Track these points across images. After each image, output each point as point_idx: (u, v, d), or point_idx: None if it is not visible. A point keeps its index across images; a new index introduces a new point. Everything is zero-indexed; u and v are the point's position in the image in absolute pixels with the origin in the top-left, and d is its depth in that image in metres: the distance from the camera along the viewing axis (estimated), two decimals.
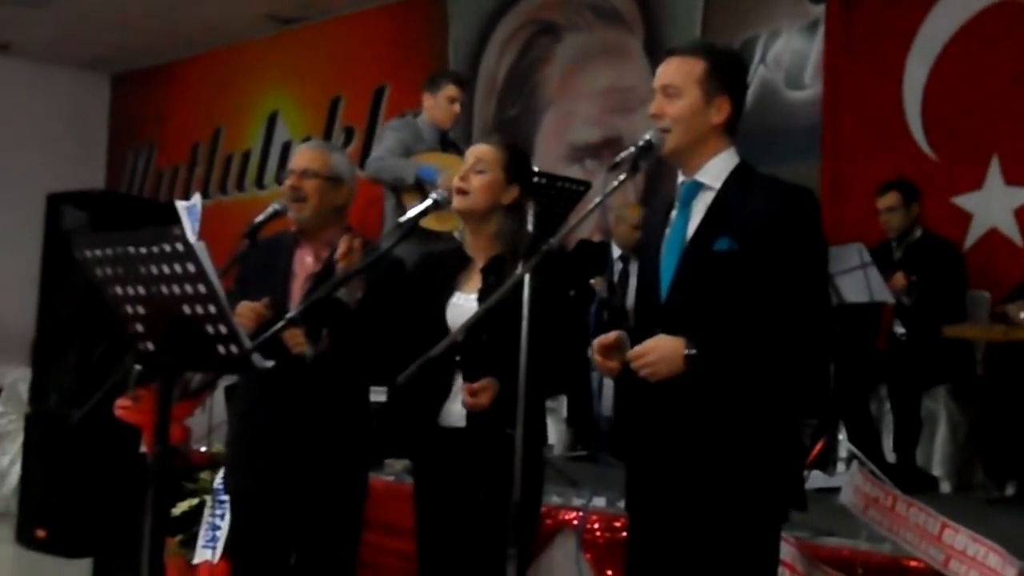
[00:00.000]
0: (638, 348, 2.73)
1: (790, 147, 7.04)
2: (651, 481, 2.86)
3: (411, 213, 3.33)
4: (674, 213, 2.91)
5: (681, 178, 2.92)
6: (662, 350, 2.71)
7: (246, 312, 3.46)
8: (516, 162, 3.40)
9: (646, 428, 2.86)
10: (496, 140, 3.47)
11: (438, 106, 5.90)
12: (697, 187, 2.87)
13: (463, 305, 3.34)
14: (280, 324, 3.14)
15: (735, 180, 2.85)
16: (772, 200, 2.80)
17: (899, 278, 5.80)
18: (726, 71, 2.89)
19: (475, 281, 3.38)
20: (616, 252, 6.82)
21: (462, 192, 3.36)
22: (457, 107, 5.91)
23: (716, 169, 2.87)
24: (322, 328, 3.45)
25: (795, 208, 2.80)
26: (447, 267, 3.47)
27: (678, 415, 2.77)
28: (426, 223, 3.47)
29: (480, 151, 3.40)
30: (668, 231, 2.89)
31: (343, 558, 3.74)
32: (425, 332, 3.26)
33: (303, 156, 3.78)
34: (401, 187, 5.62)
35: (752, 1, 7.76)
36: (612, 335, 2.81)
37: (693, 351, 2.69)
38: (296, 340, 3.40)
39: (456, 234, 3.55)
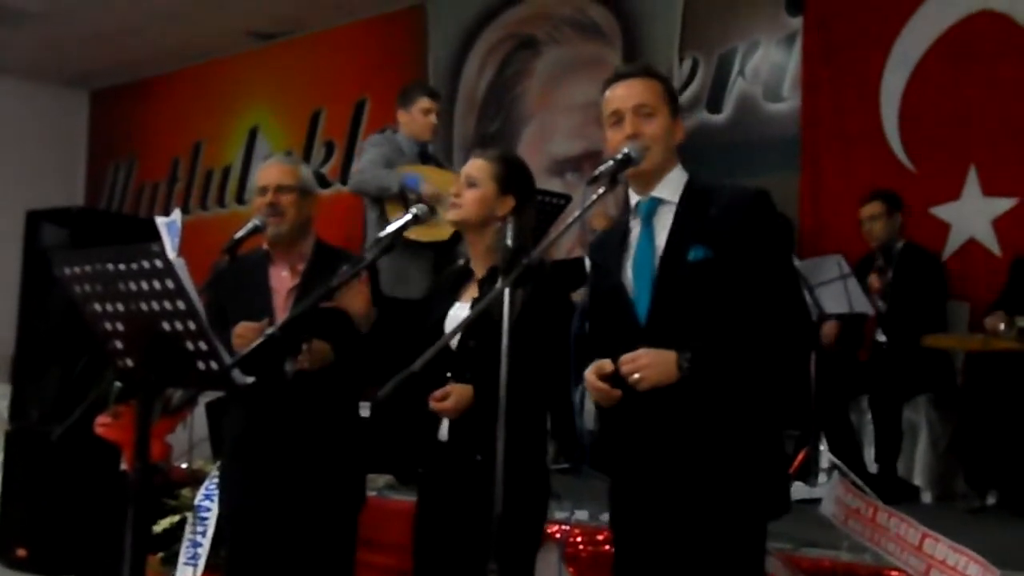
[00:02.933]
0: (628, 354, 2.74)
1: (769, 159, 7.07)
2: (639, 496, 2.86)
3: (390, 228, 3.33)
4: (633, 233, 2.92)
5: (636, 198, 2.95)
6: (654, 355, 2.72)
7: (247, 333, 3.46)
8: (509, 173, 3.39)
9: (632, 443, 2.86)
10: (489, 154, 3.46)
11: (414, 120, 5.89)
12: (656, 203, 2.91)
13: (459, 315, 3.35)
14: (260, 339, 3.14)
15: (690, 193, 2.90)
16: (734, 205, 2.83)
17: (873, 280, 5.84)
18: (674, 94, 2.99)
19: (473, 291, 3.39)
20: (589, 264, 6.83)
21: (455, 205, 3.39)
22: (433, 118, 5.90)
23: (671, 185, 2.91)
24: (302, 343, 3.46)
25: (758, 210, 2.84)
26: (452, 281, 3.49)
27: (665, 428, 2.77)
28: (410, 233, 3.48)
29: (472, 166, 3.41)
30: (631, 251, 2.91)
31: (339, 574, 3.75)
32: (425, 344, 3.28)
33: (274, 172, 3.80)
34: (385, 197, 5.62)
35: (730, 14, 7.78)
36: (608, 363, 2.80)
37: (687, 355, 2.69)
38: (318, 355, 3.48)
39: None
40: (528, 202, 3.42)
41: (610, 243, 3.00)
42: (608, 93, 2.95)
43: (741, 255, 2.76)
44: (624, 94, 2.91)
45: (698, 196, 2.88)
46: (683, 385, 2.71)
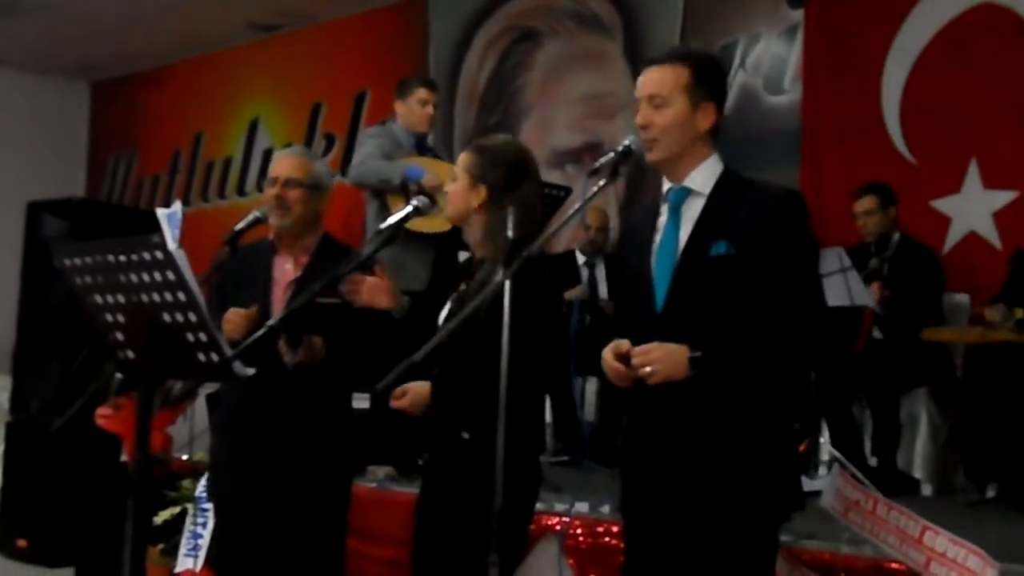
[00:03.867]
0: (641, 347, 2.72)
1: (770, 152, 7.06)
2: (650, 486, 2.85)
3: (391, 220, 3.33)
4: (662, 219, 2.90)
5: (667, 184, 2.92)
6: (666, 350, 2.70)
7: (236, 319, 3.47)
8: (481, 163, 3.28)
9: (644, 434, 2.85)
10: (470, 145, 3.39)
11: (411, 111, 5.86)
12: (686, 193, 2.87)
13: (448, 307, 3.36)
14: (261, 331, 3.14)
15: (723, 186, 2.86)
16: (763, 203, 2.80)
17: (874, 290, 5.83)
18: (709, 77, 2.89)
19: None
20: (581, 259, 6.84)
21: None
22: (430, 109, 5.86)
23: (703, 175, 2.87)
24: (303, 335, 3.46)
25: (787, 211, 2.81)
26: (460, 273, 3.47)
27: (678, 420, 2.76)
28: (410, 224, 3.46)
29: (458, 161, 3.37)
30: (658, 238, 2.89)
31: (328, 566, 3.74)
32: (428, 334, 3.28)
33: (285, 164, 3.78)
34: (387, 189, 5.60)
35: (731, 6, 7.78)
36: (625, 342, 2.79)
37: (698, 353, 2.68)
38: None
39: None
40: (508, 190, 3.24)
41: (641, 225, 2.97)
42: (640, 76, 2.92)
43: (763, 255, 2.74)
44: (643, 81, 2.87)
45: (731, 190, 2.84)
46: (694, 382, 2.70)
